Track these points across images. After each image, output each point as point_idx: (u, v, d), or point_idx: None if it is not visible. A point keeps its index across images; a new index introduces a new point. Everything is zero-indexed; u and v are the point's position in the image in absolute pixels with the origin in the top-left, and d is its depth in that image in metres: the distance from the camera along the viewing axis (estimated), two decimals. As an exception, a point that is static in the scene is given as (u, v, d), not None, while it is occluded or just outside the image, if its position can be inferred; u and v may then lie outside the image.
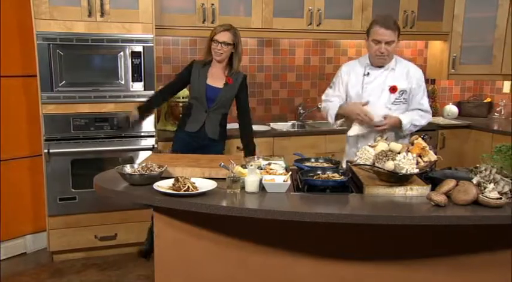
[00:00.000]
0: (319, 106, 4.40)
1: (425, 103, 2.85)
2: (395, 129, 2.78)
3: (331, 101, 2.89)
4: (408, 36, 4.34)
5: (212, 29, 3.09)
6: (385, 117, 2.72)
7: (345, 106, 2.81)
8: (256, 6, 3.81)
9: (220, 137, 3.19)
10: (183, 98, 3.71)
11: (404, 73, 2.80)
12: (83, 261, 3.47)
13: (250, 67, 4.27)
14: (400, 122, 2.74)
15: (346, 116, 2.85)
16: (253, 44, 4.25)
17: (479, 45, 4.36)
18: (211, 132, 3.13)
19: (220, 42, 2.99)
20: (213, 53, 3.03)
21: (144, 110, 3.17)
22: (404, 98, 2.79)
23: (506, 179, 2.02)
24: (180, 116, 3.45)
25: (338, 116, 2.85)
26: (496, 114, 4.66)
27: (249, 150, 3.18)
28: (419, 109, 2.84)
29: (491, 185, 1.90)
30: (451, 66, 4.40)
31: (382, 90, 2.78)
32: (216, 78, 3.10)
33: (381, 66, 2.78)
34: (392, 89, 2.76)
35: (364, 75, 2.81)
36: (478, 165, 2.04)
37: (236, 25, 3.64)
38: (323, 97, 2.99)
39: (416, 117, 2.81)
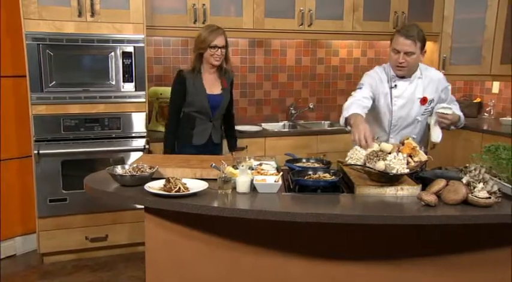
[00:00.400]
0: (311, 106, 4.45)
1: (453, 97, 2.84)
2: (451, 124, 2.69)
3: (355, 101, 2.58)
4: (399, 37, 4.36)
5: (201, 35, 2.89)
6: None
7: (357, 120, 2.40)
8: (247, 6, 3.81)
9: (221, 140, 3.19)
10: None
11: (431, 81, 2.70)
12: (73, 263, 3.45)
13: (241, 67, 4.26)
14: (458, 117, 2.69)
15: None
16: (245, 44, 4.25)
17: (469, 46, 4.40)
18: (216, 139, 3.11)
19: (220, 47, 2.90)
20: (210, 59, 2.91)
21: (173, 150, 3.04)
22: (432, 107, 2.71)
23: (495, 179, 2.04)
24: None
25: (348, 123, 2.53)
26: (485, 114, 4.70)
27: (235, 141, 3.26)
28: (453, 102, 2.81)
29: (481, 185, 1.92)
30: (441, 67, 4.43)
31: (412, 103, 2.69)
32: (213, 85, 3.02)
33: (406, 77, 2.66)
34: (423, 101, 2.68)
35: (391, 88, 2.68)
36: (467, 165, 2.06)
37: (227, 25, 3.66)
38: (352, 94, 2.66)
39: (458, 109, 2.78)
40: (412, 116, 2.72)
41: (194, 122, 3.02)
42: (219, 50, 2.90)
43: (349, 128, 2.53)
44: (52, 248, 3.41)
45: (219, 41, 2.89)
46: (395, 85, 2.68)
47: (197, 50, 2.94)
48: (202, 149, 3.00)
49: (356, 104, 2.55)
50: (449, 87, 2.79)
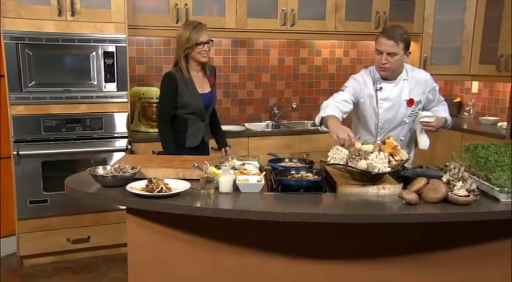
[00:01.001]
0: (294, 106, 4.47)
1: (441, 98, 2.84)
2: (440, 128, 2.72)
3: (334, 102, 2.57)
4: (380, 37, 4.41)
5: (184, 35, 2.82)
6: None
7: (335, 122, 2.42)
8: (230, 6, 3.80)
9: (208, 137, 3.15)
10: (156, 98, 3.67)
11: (417, 83, 2.69)
12: (54, 265, 3.40)
13: (224, 67, 4.26)
14: (445, 120, 2.71)
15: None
16: (227, 44, 4.25)
17: (449, 46, 4.47)
18: (207, 138, 3.08)
19: (205, 43, 2.84)
20: (198, 57, 2.85)
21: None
22: (419, 108, 2.71)
23: (474, 177, 2.08)
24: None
25: (324, 124, 2.52)
26: (465, 113, 4.78)
27: (224, 137, 3.22)
28: (441, 103, 2.83)
29: (460, 183, 1.95)
30: (422, 67, 4.49)
31: (399, 105, 2.68)
32: (202, 84, 2.98)
33: (391, 79, 2.66)
34: (410, 102, 2.67)
35: (377, 90, 2.67)
36: (447, 163, 2.09)
37: (210, 25, 3.63)
38: (334, 95, 2.66)
39: (446, 109, 2.81)
40: (399, 118, 2.72)
41: (186, 124, 2.95)
42: (205, 45, 2.85)
43: (323, 127, 2.53)
44: (32, 251, 3.36)
45: (204, 37, 2.84)
46: (381, 87, 2.67)
47: (183, 51, 2.84)
48: (196, 150, 2.94)
49: (334, 106, 2.53)
50: (437, 88, 2.78)
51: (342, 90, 2.66)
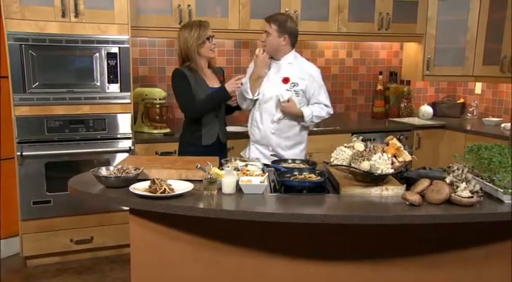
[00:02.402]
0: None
1: (323, 99, 3.00)
2: (298, 118, 2.93)
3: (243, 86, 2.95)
4: (384, 38, 4.41)
5: (193, 35, 2.88)
6: (288, 100, 2.86)
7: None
8: (233, 7, 3.81)
9: (227, 137, 3.16)
10: (159, 99, 3.69)
11: (300, 69, 2.94)
12: (57, 266, 3.41)
13: (227, 68, 4.25)
14: (302, 114, 2.90)
15: (255, 79, 2.91)
16: (230, 45, 4.25)
17: (452, 47, 4.46)
18: (224, 138, 3.08)
19: (212, 36, 2.94)
20: (208, 53, 2.94)
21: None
22: (295, 91, 2.90)
23: (478, 178, 2.07)
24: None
25: (252, 88, 2.92)
26: (468, 114, 4.77)
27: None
28: (318, 103, 3.00)
29: (463, 184, 1.94)
30: (425, 68, 4.49)
31: (275, 81, 2.91)
32: (211, 79, 3.01)
33: (277, 59, 2.94)
34: (285, 80, 2.90)
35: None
36: (451, 164, 2.08)
37: (213, 26, 3.63)
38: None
39: (317, 109, 2.98)
40: (272, 92, 2.91)
41: (200, 121, 2.95)
42: (213, 39, 2.94)
43: (255, 95, 2.92)
44: (35, 251, 3.37)
45: (209, 31, 2.94)
46: (271, 57, 2.94)
47: (195, 48, 2.88)
48: (211, 149, 2.91)
49: (245, 83, 2.92)
50: (321, 87, 3.00)
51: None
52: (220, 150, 3.02)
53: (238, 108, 3.14)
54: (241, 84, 2.89)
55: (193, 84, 2.91)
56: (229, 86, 2.87)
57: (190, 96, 2.90)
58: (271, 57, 2.95)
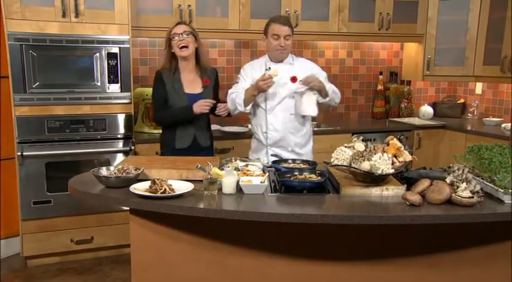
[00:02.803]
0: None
1: (333, 86, 3.02)
2: (318, 92, 2.90)
3: (237, 92, 2.94)
4: (384, 38, 4.41)
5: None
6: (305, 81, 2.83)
7: (249, 88, 2.90)
8: (233, 7, 3.81)
9: (210, 142, 3.11)
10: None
11: (302, 66, 2.99)
12: (58, 266, 3.41)
13: (227, 68, 4.26)
14: (323, 84, 2.89)
15: (254, 95, 2.88)
16: (231, 45, 4.25)
17: (452, 47, 4.46)
18: (204, 142, 3.03)
19: (180, 33, 2.87)
20: (177, 51, 2.89)
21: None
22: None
23: (478, 178, 2.07)
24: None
25: (246, 102, 2.90)
26: (469, 114, 4.77)
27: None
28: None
29: (464, 185, 1.94)
30: (425, 68, 4.48)
31: (284, 82, 2.92)
32: (192, 83, 2.97)
33: (280, 62, 2.96)
34: (293, 79, 2.92)
35: (266, 70, 2.93)
36: (451, 165, 2.08)
37: (213, 26, 3.66)
38: (229, 92, 3.00)
39: (335, 91, 3.00)
40: (284, 93, 2.93)
41: (175, 124, 2.96)
42: (180, 35, 2.87)
43: (248, 108, 2.93)
44: (36, 251, 3.37)
45: (177, 29, 2.90)
46: (269, 67, 2.94)
47: (168, 47, 2.94)
48: (187, 153, 2.87)
49: (240, 93, 2.91)
50: (325, 75, 3.03)
51: (237, 82, 3.03)
52: (198, 152, 2.94)
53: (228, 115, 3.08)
54: (211, 105, 2.89)
55: (169, 88, 2.92)
56: (196, 108, 2.84)
57: (159, 103, 2.96)
58: (271, 60, 2.99)
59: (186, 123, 2.95)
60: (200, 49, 2.99)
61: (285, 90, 2.93)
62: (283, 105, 2.95)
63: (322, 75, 2.99)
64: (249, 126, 4.19)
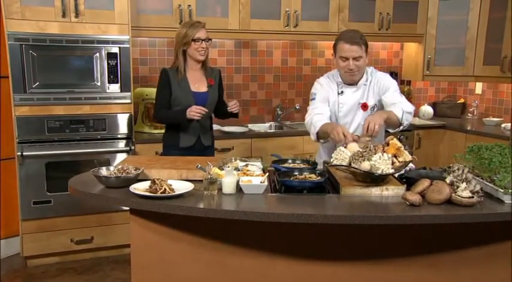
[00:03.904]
0: (297, 107, 4.47)
1: (401, 97, 2.64)
2: (390, 125, 2.58)
3: (315, 115, 2.66)
4: (384, 38, 4.41)
5: (181, 32, 2.87)
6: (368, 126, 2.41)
7: (330, 124, 2.58)
8: (233, 7, 3.81)
9: (212, 141, 3.12)
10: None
11: (375, 86, 2.69)
12: (58, 266, 3.41)
13: (227, 68, 4.26)
14: (387, 116, 2.48)
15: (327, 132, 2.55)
16: (231, 45, 4.25)
17: (452, 47, 4.46)
18: (206, 141, 3.03)
19: (204, 40, 2.86)
20: (195, 54, 2.88)
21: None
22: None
23: (478, 178, 2.07)
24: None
25: (319, 134, 2.62)
26: (469, 114, 4.77)
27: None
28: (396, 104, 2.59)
29: (464, 184, 1.94)
30: (425, 68, 4.49)
31: (356, 109, 2.70)
32: (198, 82, 2.97)
33: (353, 84, 2.68)
34: (364, 107, 2.68)
35: (339, 94, 2.70)
36: (451, 165, 2.08)
37: (213, 26, 3.66)
38: (307, 116, 2.73)
39: (400, 104, 2.56)
40: (356, 122, 2.71)
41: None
42: (203, 42, 2.87)
43: (322, 141, 2.66)
44: (36, 251, 3.37)
45: (201, 33, 2.87)
46: (342, 91, 2.70)
47: (180, 46, 2.88)
48: (191, 151, 2.90)
49: (318, 117, 2.62)
50: (394, 85, 2.66)
51: (313, 99, 2.73)
52: (204, 153, 2.96)
53: (236, 115, 3.07)
54: (204, 113, 2.81)
55: (175, 86, 2.90)
56: (189, 113, 2.80)
57: (162, 102, 2.93)
58: (345, 82, 2.67)
59: (192, 124, 2.94)
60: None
61: (357, 119, 2.70)
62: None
63: (390, 88, 2.63)
64: (249, 125, 4.20)
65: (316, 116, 2.63)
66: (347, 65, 2.56)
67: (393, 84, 2.69)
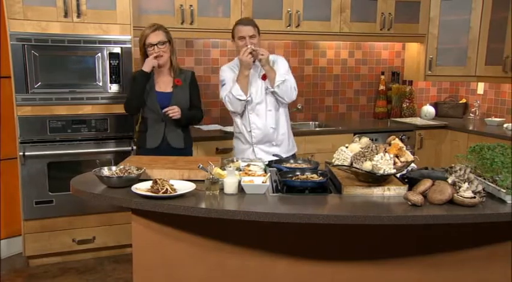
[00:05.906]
0: (299, 107, 4.46)
1: (289, 76, 3.00)
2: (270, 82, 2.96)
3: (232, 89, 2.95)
4: (386, 38, 4.41)
5: (141, 34, 2.96)
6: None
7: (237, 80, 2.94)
8: (235, 7, 3.81)
9: (186, 143, 3.08)
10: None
11: (274, 64, 3.00)
12: (59, 266, 3.41)
13: (229, 68, 4.25)
14: (272, 68, 2.95)
15: (245, 75, 2.91)
16: (232, 45, 4.23)
17: (454, 47, 4.45)
18: (175, 142, 3.01)
19: (155, 44, 2.89)
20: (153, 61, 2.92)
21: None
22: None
23: (480, 178, 2.06)
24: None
25: (244, 89, 2.92)
26: (471, 114, 4.76)
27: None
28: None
29: (466, 185, 1.94)
30: (427, 68, 4.48)
31: (256, 80, 2.98)
32: (164, 83, 3.01)
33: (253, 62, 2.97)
34: (263, 77, 2.98)
35: None
36: (453, 165, 2.08)
37: (215, 26, 3.66)
38: (222, 96, 2.98)
39: (286, 77, 2.97)
40: (260, 93, 2.98)
41: (147, 123, 3.03)
42: (155, 47, 2.89)
43: (249, 94, 2.94)
44: (38, 251, 3.37)
45: (152, 38, 2.89)
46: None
47: (141, 49, 2.97)
48: (158, 153, 2.85)
49: (234, 87, 2.92)
50: (285, 66, 3.02)
51: (224, 84, 3.01)
52: (169, 153, 2.87)
53: (192, 122, 3.14)
54: (158, 62, 2.94)
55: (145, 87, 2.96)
56: (146, 66, 2.90)
57: (129, 98, 3.01)
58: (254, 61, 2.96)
59: (156, 121, 2.98)
60: (172, 53, 3.01)
61: (260, 89, 2.98)
62: (262, 105, 2.99)
63: (284, 67, 3.01)
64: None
65: (232, 88, 2.93)
66: (245, 43, 2.90)
67: (284, 65, 3.05)
